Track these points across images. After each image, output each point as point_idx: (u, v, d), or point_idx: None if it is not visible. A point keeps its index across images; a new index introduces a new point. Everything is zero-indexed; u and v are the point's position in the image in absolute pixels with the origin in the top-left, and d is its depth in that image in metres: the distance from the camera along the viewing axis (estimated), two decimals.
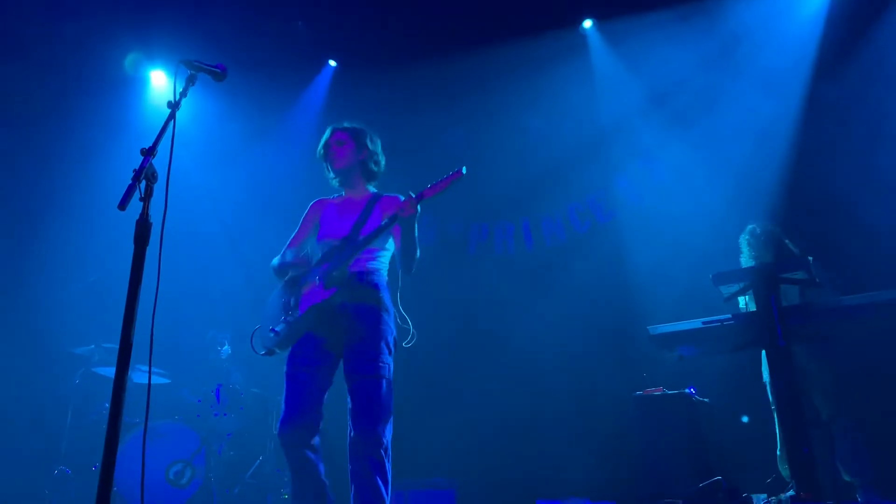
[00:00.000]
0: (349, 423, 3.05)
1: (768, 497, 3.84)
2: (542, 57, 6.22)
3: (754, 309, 3.76)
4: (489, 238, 6.77)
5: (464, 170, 3.16)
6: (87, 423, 5.42)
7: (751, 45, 5.72)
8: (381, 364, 3.09)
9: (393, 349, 3.21)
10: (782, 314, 3.55)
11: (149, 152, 2.16)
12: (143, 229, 2.08)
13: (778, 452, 4.25)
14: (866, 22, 5.34)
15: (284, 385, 3.19)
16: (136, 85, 6.71)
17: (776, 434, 4.21)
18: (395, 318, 3.27)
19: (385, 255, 3.41)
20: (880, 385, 4.35)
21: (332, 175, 3.52)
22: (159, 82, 6.70)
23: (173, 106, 2.31)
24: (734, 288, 3.88)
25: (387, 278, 3.38)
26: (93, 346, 5.52)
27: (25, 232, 6.38)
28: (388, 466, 3.00)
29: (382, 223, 3.22)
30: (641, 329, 4.05)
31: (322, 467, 3.11)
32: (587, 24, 6.33)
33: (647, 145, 6.27)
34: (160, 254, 2.35)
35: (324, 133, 3.57)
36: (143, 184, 2.11)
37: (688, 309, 4.15)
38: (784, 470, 4.17)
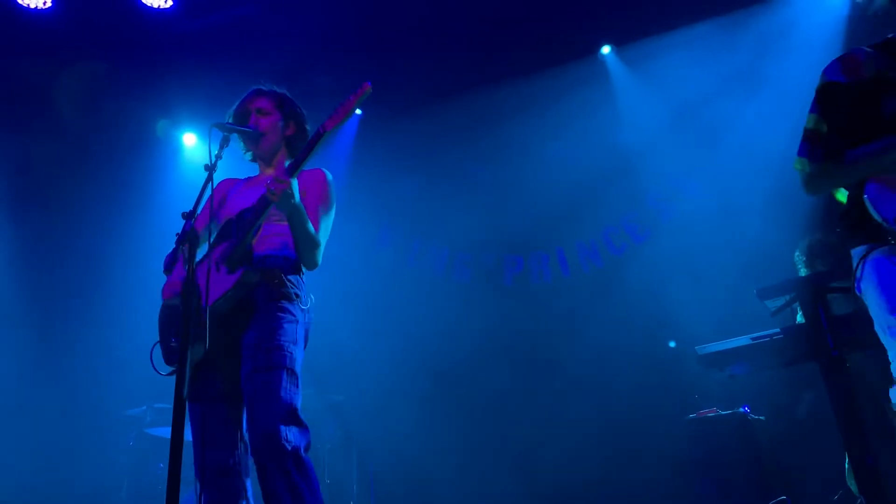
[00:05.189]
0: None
1: None
2: (562, 86, 6.27)
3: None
4: (524, 269, 6.75)
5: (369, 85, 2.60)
6: (145, 483, 5.47)
7: (771, 58, 5.70)
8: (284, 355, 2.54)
9: (299, 341, 2.63)
10: (832, 324, 3.46)
11: (189, 216, 2.22)
12: (189, 291, 2.13)
13: (846, 466, 4.11)
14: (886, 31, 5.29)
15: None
16: (169, 147, 6.90)
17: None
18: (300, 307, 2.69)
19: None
20: None
21: (244, 149, 3.02)
22: (191, 143, 6.90)
23: (210, 169, 2.37)
24: (780, 301, 3.80)
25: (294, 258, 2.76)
26: (145, 406, 5.58)
27: (71, 298, 6.54)
28: None
29: (258, 201, 2.57)
30: (688, 350, 3.98)
31: None
32: (605, 50, 6.39)
33: (676, 163, 6.25)
34: (207, 312, 2.38)
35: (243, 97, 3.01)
36: (185, 247, 2.18)
37: (733, 325, 4.08)
38: (853, 485, 4.03)
